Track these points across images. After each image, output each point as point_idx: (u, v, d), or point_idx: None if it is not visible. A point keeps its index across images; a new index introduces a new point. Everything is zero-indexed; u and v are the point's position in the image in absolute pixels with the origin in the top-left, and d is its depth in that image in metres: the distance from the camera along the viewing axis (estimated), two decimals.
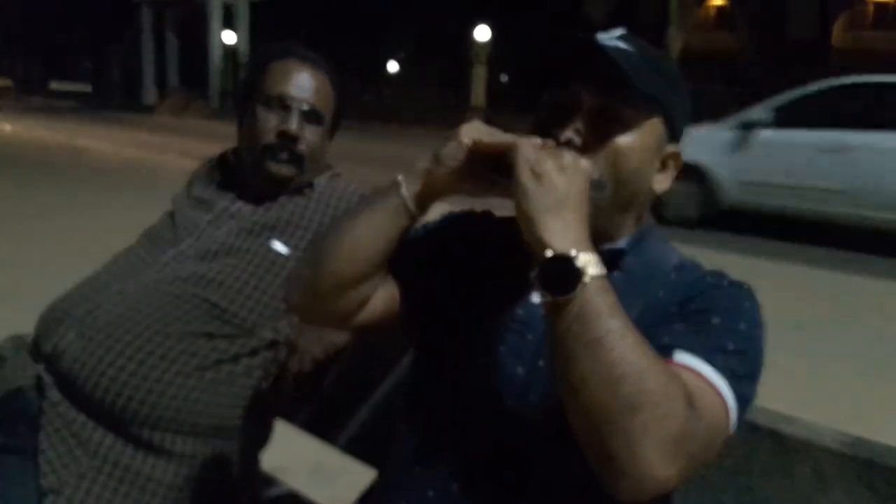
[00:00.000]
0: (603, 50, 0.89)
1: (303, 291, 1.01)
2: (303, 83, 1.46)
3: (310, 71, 1.47)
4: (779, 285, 5.26)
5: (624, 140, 0.92)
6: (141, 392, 1.27)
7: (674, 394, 0.75)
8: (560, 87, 0.95)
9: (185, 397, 1.29)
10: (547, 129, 0.93)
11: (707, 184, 7.19)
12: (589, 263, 0.78)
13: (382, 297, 1.02)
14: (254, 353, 1.36)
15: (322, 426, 1.57)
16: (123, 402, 1.26)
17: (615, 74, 0.88)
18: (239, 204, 1.46)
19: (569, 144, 0.90)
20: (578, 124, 0.92)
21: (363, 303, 1.00)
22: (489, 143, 0.89)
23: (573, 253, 0.78)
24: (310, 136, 1.45)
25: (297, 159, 1.44)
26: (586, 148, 0.91)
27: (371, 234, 0.95)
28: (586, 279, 0.77)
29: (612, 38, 0.94)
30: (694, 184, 7.09)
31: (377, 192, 0.98)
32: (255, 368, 1.36)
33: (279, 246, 1.39)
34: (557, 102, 0.95)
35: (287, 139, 1.43)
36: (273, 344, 1.38)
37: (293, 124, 1.43)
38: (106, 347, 1.28)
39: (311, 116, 1.46)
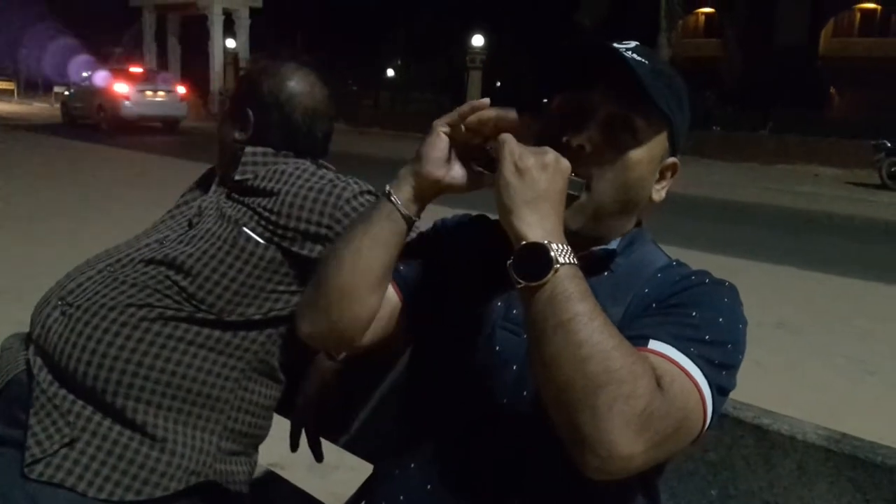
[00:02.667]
0: (626, 62, 0.91)
1: (311, 316, 1.03)
2: None
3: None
4: (761, 284, 5.35)
5: (634, 151, 0.95)
6: (119, 363, 1.29)
7: (639, 374, 0.78)
8: (577, 92, 0.97)
9: (162, 369, 1.32)
10: (558, 131, 0.95)
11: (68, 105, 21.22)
12: (561, 252, 0.82)
13: (386, 310, 1.05)
14: (223, 331, 1.37)
15: (321, 423, 1.57)
16: (105, 373, 1.29)
17: (633, 86, 0.90)
18: (219, 195, 1.50)
19: (581, 151, 0.93)
20: (592, 132, 0.94)
21: (371, 318, 1.02)
22: (464, 111, 0.94)
23: (546, 242, 0.82)
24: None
25: None
26: (597, 155, 0.94)
27: (370, 245, 0.98)
28: (557, 266, 0.81)
29: (627, 49, 0.96)
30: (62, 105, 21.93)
31: (370, 204, 1.02)
32: (226, 345, 1.38)
33: (251, 233, 1.41)
34: (573, 107, 0.97)
35: None
36: (238, 328, 1.39)
37: None
38: (84, 322, 1.31)
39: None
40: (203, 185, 1.61)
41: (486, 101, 0.95)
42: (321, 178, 1.46)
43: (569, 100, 0.98)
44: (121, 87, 19.89)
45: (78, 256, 1.57)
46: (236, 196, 1.47)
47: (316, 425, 1.48)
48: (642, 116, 0.95)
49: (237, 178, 1.47)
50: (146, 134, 18.90)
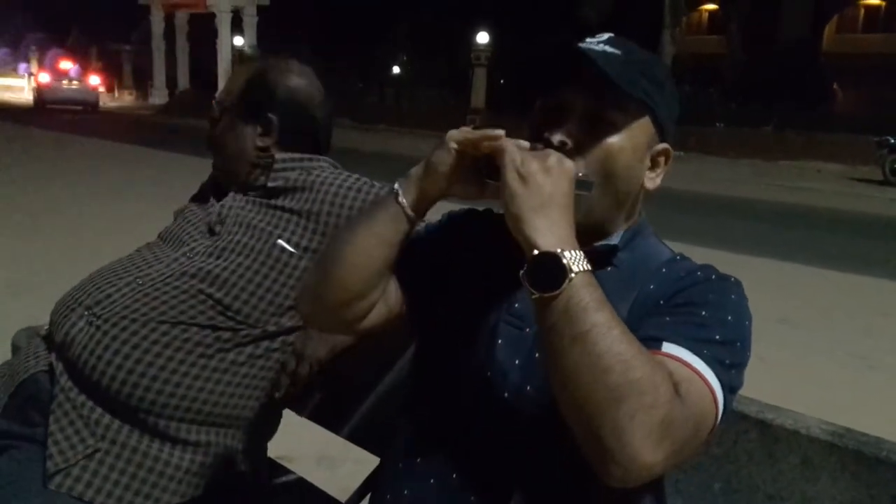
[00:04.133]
0: (590, 58, 0.92)
1: (311, 302, 1.04)
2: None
3: (234, 70, 1.62)
4: (765, 280, 5.33)
5: (614, 141, 0.95)
6: (146, 379, 1.30)
7: (659, 382, 0.78)
8: (552, 93, 0.98)
9: (190, 385, 1.32)
10: (541, 132, 0.96)
11: None
12: (574, 260, 0.81)
13: (388, 300, 1.04)
14: (257, 344, 1.39)
15: (328, 416, 1.59)
16: (130, 389, 1.29)
17: (602, 79, 0.91)
18: (240, 203, 1.48)
19: (563, 147, 0.93)
20: (571, 128, 0.95)
21: (370, 309, 1.02)
22: (477, 138, 0.91)
23: (559, 250, 0.81)
24: (218, 125, 1.55)
25: (207, 146, 1.58)
26: (579, 150, 0.94)
27: (373, 242, 0.97)
28: (572, 275, 0.80)
29: (599, 42, 0.97)
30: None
31: (376, 200, 1.01)
32: (258, 358, 1.39)
33: (285, 244, 1.41)
34: (550, 107, 0.98)
35: None
36: (275, 336, 1.40)
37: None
38: (112, 336, 1.31)
39: (217, 108, 1.55)
40: (208, 193, 1.57)
41: (501, 132, 0.92)
42: (356, 179, 1.48)
43: (548, 100, 0.99)
44: (43, 78, 28.65)
45: None
46: (265, 202, 1.46)
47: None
48: (617, 107, 0.95)
49: (270, 185, 1.46)
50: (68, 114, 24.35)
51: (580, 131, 0.95)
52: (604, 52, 0.94)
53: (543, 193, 0.84)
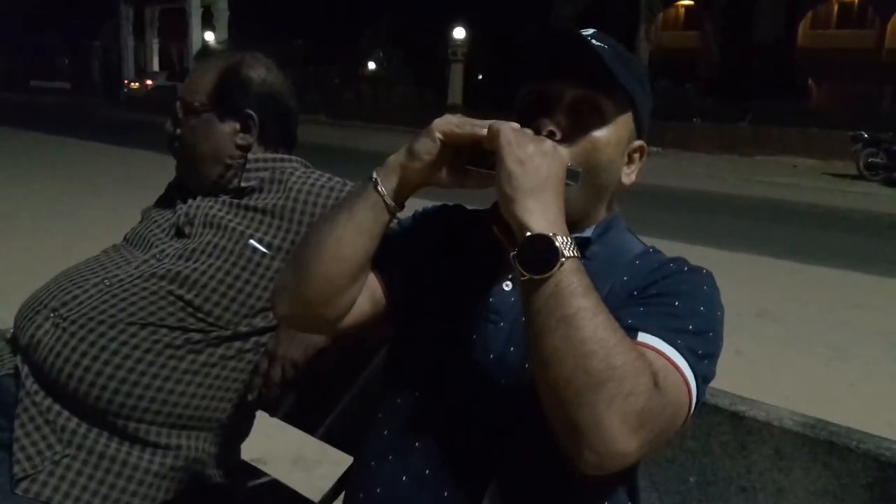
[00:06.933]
0: (587, 44, 0.92)
1: (290, 301, 1.01)
2: (184, 83, 1.56)
3: (197, 67, 1.55)
4: (742, 275, 5.42)
5: (601, 133, 0.96)
6: (114, 382, 1.28)
7: (640, 371, 0.78)
8: (540, 80, 0.98)
9: (159, 387, 1.30)
10: (528, 120, 0.95)
11: None
12: (565, 245, 0.81)
13: (366, 297, 1.03)
14: (228, 346, 1.37)
15: (302, 417, 1.58)
16: (97, 391, 1.27)
17: (597, 68, 0.91)
18: (210, 203, 1.46)
19: (551, 137, 0.93)
20: (559, 117, 0.95)
21: (350, 305, 1.01)
22: (464, 133, 0.90)
23: (552, 234, 0.81)
24: (185, 125, 1.49)
25: (170, 148, 1.52)
26: (566, 141, 0.95)
27: (353, 233, 0.95)
28: (563, 259, 0.80)
29: (586, 35, 0.97)
30: None
31: (353, 190, 0.99)
32: (230, 360, 1.37)
33: (257, 244, 1.39)
34: (539, 95, 0.98)
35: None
36: (247, 337, 1.39)
37: (168, 122, 1.52)
38: (79, 338, 1.29)
39: (182, 108, 1.50)
40: (174, 195, 1.54)
41: (486, 129, 0.90)
42: (328, 178, 1.47)
43: (534, 89, 0.99)
44: None
45: None
46: (235, 202, 1.43)
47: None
48: (607, 97, 0.96)
49: (243, 185, 1.44)
50: None
51: (568, 122, 0.95)
52: (593, 44, 0.94)
53: (540, 176, 0.84)
